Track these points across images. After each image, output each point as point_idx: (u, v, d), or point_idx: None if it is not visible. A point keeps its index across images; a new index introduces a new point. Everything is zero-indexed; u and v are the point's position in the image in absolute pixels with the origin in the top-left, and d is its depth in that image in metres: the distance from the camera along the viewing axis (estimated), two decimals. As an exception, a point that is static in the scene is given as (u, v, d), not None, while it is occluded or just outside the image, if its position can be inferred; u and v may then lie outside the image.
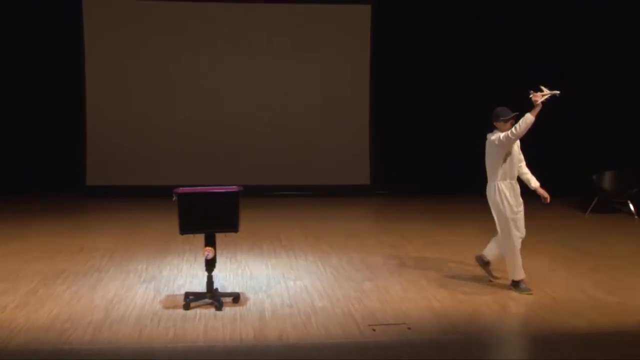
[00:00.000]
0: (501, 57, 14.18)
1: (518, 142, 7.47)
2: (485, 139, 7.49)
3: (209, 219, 6.84)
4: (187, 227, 6.88)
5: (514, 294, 7.52)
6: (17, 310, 6.86)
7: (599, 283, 7.89)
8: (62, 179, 13.67)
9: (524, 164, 7.60)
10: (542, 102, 6.94)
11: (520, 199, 7.49)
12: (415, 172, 14.34)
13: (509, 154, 7.42)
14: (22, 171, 13.49)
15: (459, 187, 13.86)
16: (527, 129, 7.02)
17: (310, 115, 14.33)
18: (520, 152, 7.52)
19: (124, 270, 8.41)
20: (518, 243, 7.48)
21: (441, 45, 14.26)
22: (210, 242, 7.00)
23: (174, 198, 6.78)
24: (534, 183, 7.58)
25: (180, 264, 8.72)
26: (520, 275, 7.53)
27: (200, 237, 7.05)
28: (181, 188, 6.95)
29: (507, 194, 7.37)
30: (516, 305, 7.18)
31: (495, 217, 7.52)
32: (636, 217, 11.71)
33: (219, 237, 7.12)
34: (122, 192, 13.76)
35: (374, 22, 14.40)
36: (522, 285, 7.55)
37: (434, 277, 8.18)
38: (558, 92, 6.89)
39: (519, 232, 7.50)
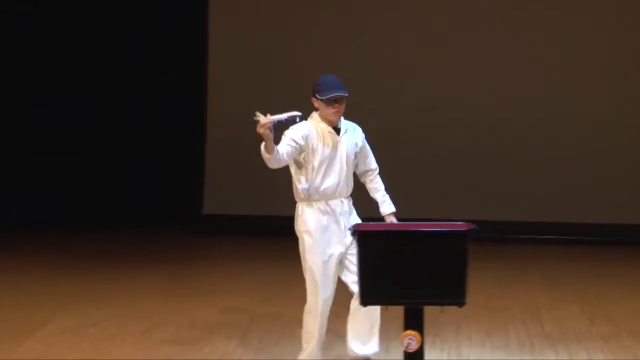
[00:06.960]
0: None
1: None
2: None
3: (413, 280, 4.49)
4: (373, 293, 4.54)
5: None
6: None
7: None
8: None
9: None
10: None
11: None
12: None
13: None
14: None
15: None
16: (270, 163, 5.16)
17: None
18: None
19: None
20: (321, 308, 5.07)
21: None
22: (413, 321, 4.51)
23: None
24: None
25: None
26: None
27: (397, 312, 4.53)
28: (362, 223, 4.82)
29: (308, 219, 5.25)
30: None
31: None
32: None
33: (430, 313, 4.43)
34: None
35: None
36: None
37: None
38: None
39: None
